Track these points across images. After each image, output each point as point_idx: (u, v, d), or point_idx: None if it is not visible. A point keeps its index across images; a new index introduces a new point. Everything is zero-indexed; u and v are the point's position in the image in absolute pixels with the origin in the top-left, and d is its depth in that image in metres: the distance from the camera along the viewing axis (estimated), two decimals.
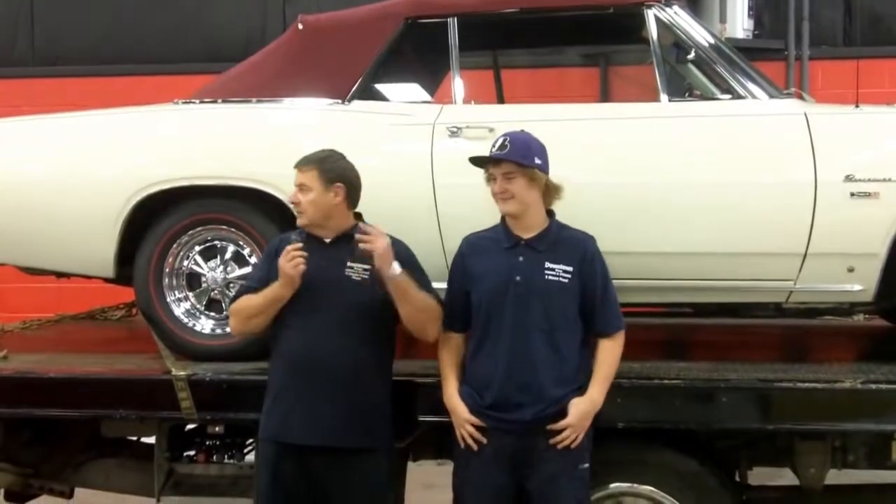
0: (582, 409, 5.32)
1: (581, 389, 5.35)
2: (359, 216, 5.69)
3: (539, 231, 5.40)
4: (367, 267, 5.51)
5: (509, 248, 5.40)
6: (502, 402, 5.31)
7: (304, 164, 5.58)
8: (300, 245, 5.40)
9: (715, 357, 6.55)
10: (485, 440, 5.38)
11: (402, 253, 5.58)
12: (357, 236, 5.32)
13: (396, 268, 5.34)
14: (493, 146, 5.37)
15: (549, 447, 5.28)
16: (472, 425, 5.37)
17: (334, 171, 5.57)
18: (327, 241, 5.59)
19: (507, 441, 5.33)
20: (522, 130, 5.48)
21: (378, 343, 5.59)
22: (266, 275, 5.60)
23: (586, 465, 5.39)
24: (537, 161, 5.32)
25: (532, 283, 5.31)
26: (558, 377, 5.30)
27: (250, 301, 5.57)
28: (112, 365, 6.74)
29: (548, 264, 5.33)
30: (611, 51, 11.89)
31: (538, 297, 5.30)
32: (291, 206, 5.64)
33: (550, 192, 5.41)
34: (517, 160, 5.28)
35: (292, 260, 5.35)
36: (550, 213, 5.47)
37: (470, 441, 5.38)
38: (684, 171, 6.29)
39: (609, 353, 5.43)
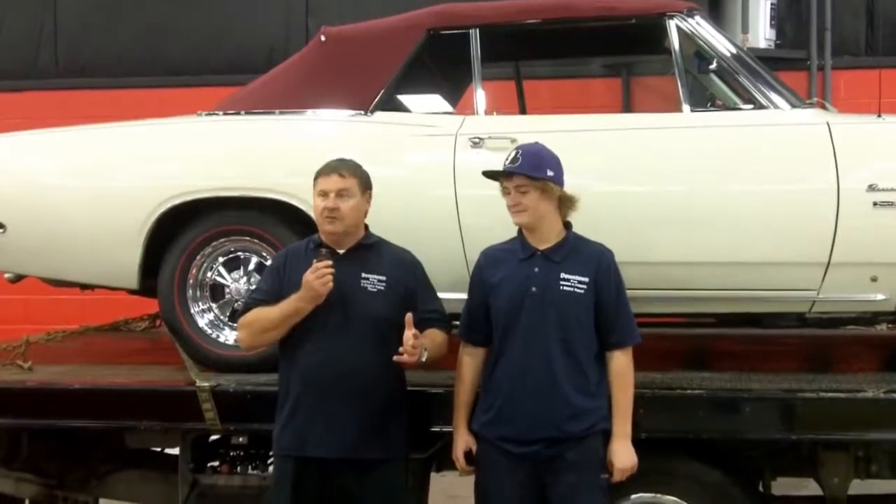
0: (624, 452, 5.35)
1: (603, 409, 5.37)
2: (365, 227, 5.72)
3: (555, 242, 5.41)
4: (381, 278, 5.55)
5: (525, 259, 5.40)
6: (516, 414, 5.32)
7: (343, 169, 5.56)
8: (330, 262, 5.37)
9: (737, 367, 6.56)
10: (471, 470, 5.53)
11: (411, 267, 5.68)
12: (398, 354, 5.33)
13: (423, 357, 5.40)
14: (507, 160, 5.39)
15: (571, 457, 5.28)
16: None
17: (367, 178, 5.62)
18: (341, 252, 5.59)
19: (529, 451, 5.35)
20: (536, 142, 5.49)
21: (392, 352, 5.51)
22: (277, 287, 5.59)
23: (607, 474, 5.38)
24: (549, 173, 5.33)
25: (547, 294, 5.32)
26: (580, 386, 5.30)
27: (265, 314, 5.53)
28: (136, 376, 6.78)
29: (563, 275, 5.33)
30: (633, 61, 11.86)
31: (553, 308, 5.31)
32: (325, 212, 5.51)
33: (565, 203, 5.42)
34: (528, 173, 5.30)
35: (322, 276, 5.33)
36: (568, 226, 5.48)
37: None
38: (707, 181, 6.30)
39: (624, 381, 5.40)
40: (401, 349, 5.28)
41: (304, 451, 5.51)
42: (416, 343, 5.29)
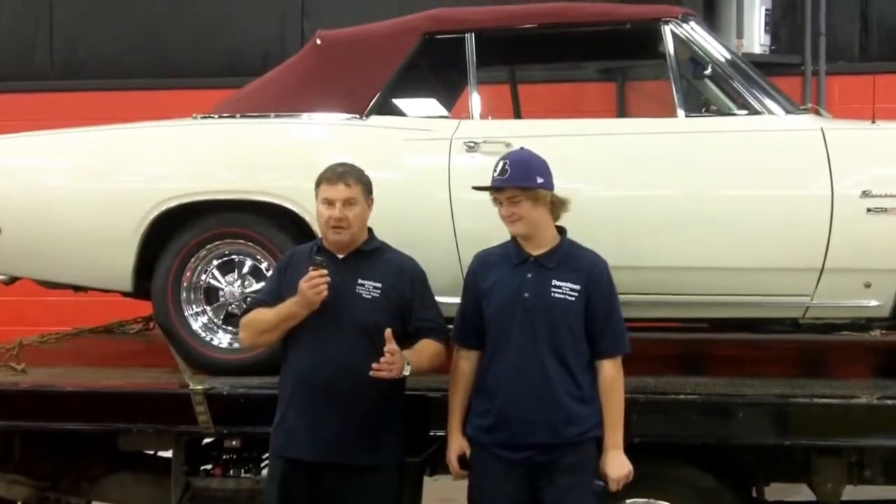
0: (617, 462, 5.35)
1: (596, 416, 5.35)
2: (369, 231, 5.70)
3: (549, 248, 5.39)
4: (377, 285, 5.52)
5: (518, 265, 5.39)
6: (511, 419, 5.31)
7: (348, 178, 5.49)
8: (325, 272, 5.34)
9: (731, 372, 6.56)
10: (465, 474, 5.53)
11: (410, 274, 5.63)
12: (374, 369, 5.23)
13: (406, 371, 5.32)
14: (495, 171, 5.35)
15: (565, 462, 5.27)
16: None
17: (369, 183, 5.58)
18: (340, 257, 5.57)
19: (523, 457, 5.35)
20: (522, 149, 5.48)
21: None
22: (277, 289, 5.59)
23: (602, 482, 5.36)
24: (539, 180, 5.30)
25: (539, 300, 5.30)
26: (573, 392, 5.29)
27: (262, 316, 5.54)
28: (129, 379, 6.78)
29: (555, 282, 5.31)
30: (628, 66, 11.90)
31: (545, 314, 5.29)
32: (332, 221, 5.45)
33: (557, 206, 5.40)
34: (518, 185, 5.27)
35: (315, 286, 5.31)
36: (562, 231, 5.47)
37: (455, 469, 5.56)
38: (701, 186, 6.31)
39: (614, 390, 5.37)
40: (374, 364, 5.23)
41: (291, 453, 5.52)
42: (390, 359, 5.23)
